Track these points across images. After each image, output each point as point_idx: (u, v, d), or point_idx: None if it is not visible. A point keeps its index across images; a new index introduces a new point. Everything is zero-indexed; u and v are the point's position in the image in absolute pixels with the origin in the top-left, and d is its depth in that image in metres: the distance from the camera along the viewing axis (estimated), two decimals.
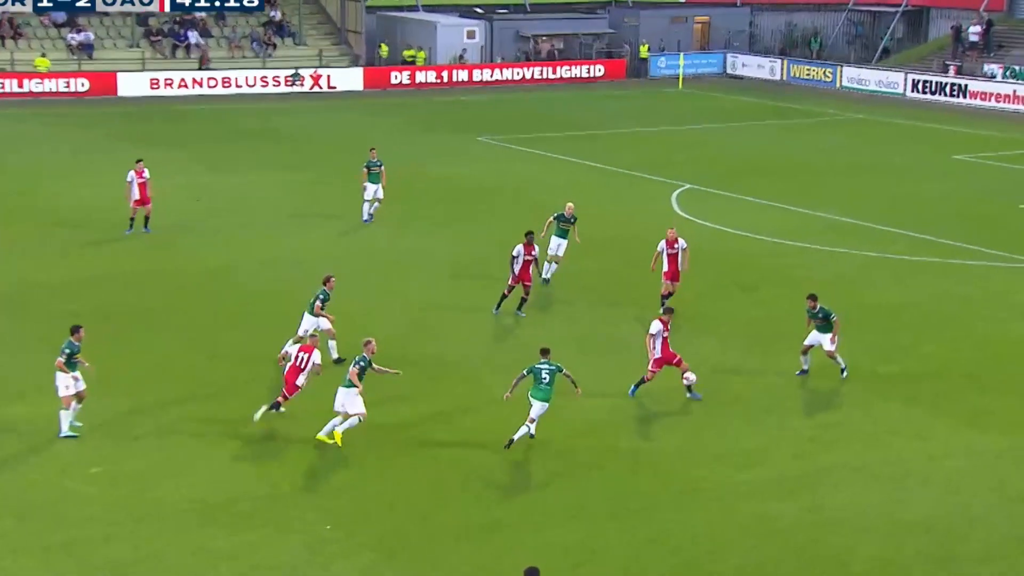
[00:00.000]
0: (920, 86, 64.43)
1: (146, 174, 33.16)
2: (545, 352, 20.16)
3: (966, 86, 62.70)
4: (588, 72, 70.38)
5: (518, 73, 69.15)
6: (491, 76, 68.42)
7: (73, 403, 20.06)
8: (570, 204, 29.41)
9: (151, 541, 17.01)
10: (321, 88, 64.21)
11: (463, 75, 67.71)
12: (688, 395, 22.19)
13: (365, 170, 34.90)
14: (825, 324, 23.06)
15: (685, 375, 21.95)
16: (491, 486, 18.86)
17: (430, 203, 38.28)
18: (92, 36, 63.51)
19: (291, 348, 21.01)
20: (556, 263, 28.85)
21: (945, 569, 16.68)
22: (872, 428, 21.26)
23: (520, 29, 71.65)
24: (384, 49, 68.90)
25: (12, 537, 17.12)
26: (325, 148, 48.32)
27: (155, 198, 33.59)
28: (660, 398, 22.15)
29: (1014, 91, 61.14)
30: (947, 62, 65.53)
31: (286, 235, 34.19)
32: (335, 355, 23.18)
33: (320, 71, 64.64)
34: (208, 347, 24.77)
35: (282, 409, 20.71)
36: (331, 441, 19.83)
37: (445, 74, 67.41)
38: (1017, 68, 62.45)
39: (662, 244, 26.75)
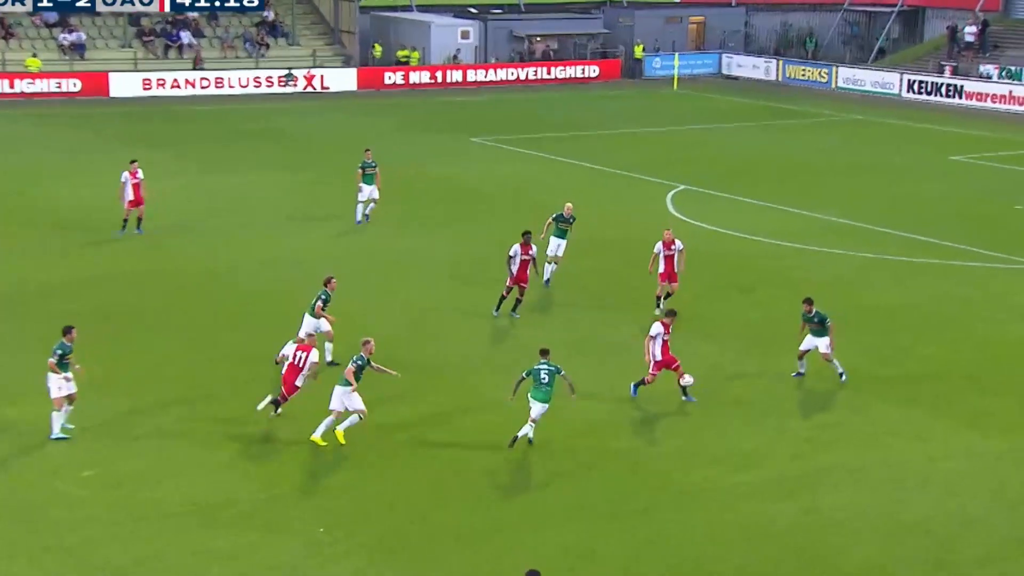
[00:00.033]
0: (916, 86, 64.33)
1: (140, 175, 33.00)
2: (544, 353, 20.13)
3: (962, 87, 62.60)
4: (583, 72, 70.21)
5: (512, 74, 68.96)
6: (485, 77, 68.22)
7: (65, 405, 19.94)
8: (569, 204, 29.28)
9: (146, 543, 16.92)
10: (314, 88, 64.01)
11: (457, 75, 67.51)
12: (683, 398, 22.12)
13: (360, 171, 34.73)
14: (820, 328, 22.95)
15: (682, 378, 21.89)
16: (489, 487, 18.80)
17: (427, 204, 38.14)
18: (84, 36, 63.22)
19: (289, 349, 20.91)
20: (556, 264, 28.74)
21: (943, 571, 16.63)
22: (870, 430, 21.20)
23: (514, 29, 71.48)
24: (378, 49, 68.68)
25: (5, 540, 17.03)
26: (320, 149, 48.19)
27: (149, 199, 33.45)
28: (658, 400, 22.10)
29: (1010, 91, 61.05)
30: (943, 62, 65.45)
31: (282, 236, 34.07)
32: (329, 358, 23.03)
33: (313, 71, 64.44)
34: (205, 348, 24.73)
35: (279, 411, 20.66)
36: (324, 443, 19.76)
37: (439, 74, 67.20)
38: (1013, 68, 62.35)
39: (658, 245, 26.69)
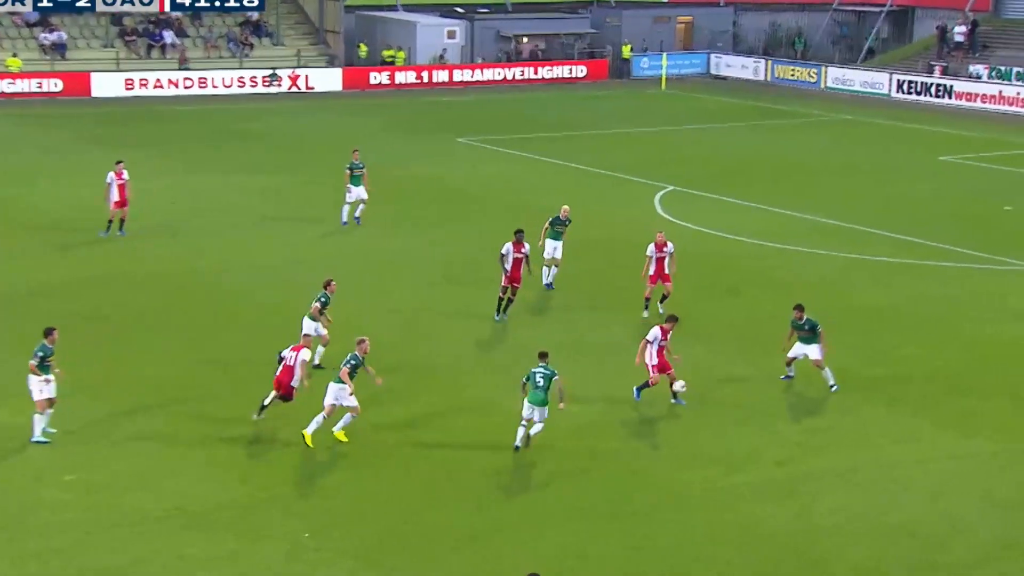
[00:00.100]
0: (905, 87, 64.08)
1: (125, 175, 32.84)
2: (543, 356, 20.04)
3: (951, 87, 62.36)
4: (570, 73, 69.83)
5: (499, 74, 68.55)
6: (472, 77, 67.80)
7: (46, 408, 19.79)
8: (566, 207, 29.17)
9: (129, 548, 16.75)
10: (299, 89, 63.57)
11: (443, 76, 67.08)
12: (673, 400, 22.00)
13: (348, 172, 34.48)
14: (811, 336, 22.69)
15: (675, 383, 21.85)
16: (482, 489, 18.70)
17: (415, 204, 37.98)
18: (65, 36, 62.63)
19: (288, 352, 20.83)
20: (556, 266, 28.64)
21: (932, 574, 16.59)
22: (859, 432, 21.13)
23: (501, 29, 71.12)
24: (363, 49, 68.24)
25: None
26: (306, 149, 47.95)
27: (134, 200, 33.27)
28: (650, 402, 22.02)
29: (999, 92, 60.83)
30: (932, 62, 65.23)
31: (268, 237, 33.89)
32: (317, 360, 22.78)
33: (298, 71, 63.99)
34: (190, 350, 24.54)
35: (262, 415, 20.54)
36: (312, 445, 19.67)
37: (425, 75, 66.77)
38: (1003, 68, 62.13)
39: (651, 247, 26.65)
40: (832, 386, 22.72)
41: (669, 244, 26.64)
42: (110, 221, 32.91)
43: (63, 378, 19.98)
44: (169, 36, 64.25)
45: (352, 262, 30.79)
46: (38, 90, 59.20)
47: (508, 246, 26.04)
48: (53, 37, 62.16)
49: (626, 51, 71.83)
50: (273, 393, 20.42)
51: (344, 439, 19.87)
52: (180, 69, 62.45)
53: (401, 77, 66.19)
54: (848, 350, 24.31)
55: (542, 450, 19.80)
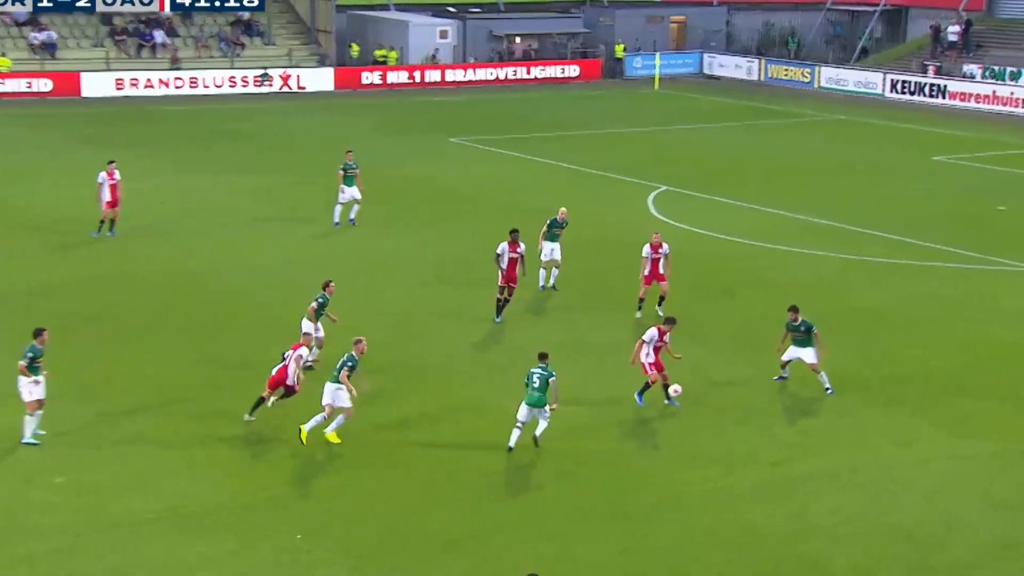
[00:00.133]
0: (899, 86, 63.97)
1: (117, 175, 32.72)
2: (543, 357, 19.98)
3: (945, 86, 62.26)
4: (563, 72, 69.61)
5: (491, 73, 68.31)
6: (464, 76, 67.55)
7: (36, 409, 19.69)
8: (563, 209, 29.10)
9: (119, 552, 16.63)
10: (290, 88, 63.29)
11: (435, 75, 66.83)
12: (666, 401, 21.91)
13: (341, 172, 34.35)
14: (806, 338, 22.55)
15: (670, 387, 21.81)
16: (478, 491, 18.63)
17: (408, 205, 37.81)
18: (55, 35, 62.26)
19: (289, 351, 20.91)
20: (557, 268, 28.58)
21: (928, 575, 16.54)
22: (855, 433, 21.09)
23: (493, 29, 70.87)
24: (355, 49, 67.96)
25: None
26: (298, 150, 47.72)
27: (125, 201, 33.12)
28: (645, 403, 21.86)
29: (993, 91, 60.73)
30: (926, 62, 65.14)
31: (261, 238, 33.72)
32: (309, 361, 22.65)
33: (289, 71, 63.72)
34: (182, 351, 24.39)
35: (251, 416, 20.52)
36: (305, 442, 19.63)
37: (417, 74, 66.51)
38: (996, 68, 62.04)
39: (646, 248, 26.59)
40: (827, 389, 22.60)
41: (664, 245, 26.61)
42: (102, 221, 32.78)
43: (51, 379, 19.83)
44: (159, 36, 63.92)
45: (345, 262, 30.61)
46: (27, 90, 58.83)
47: (503, 246, 25.99)
48: (43, 37, 61.78)
49: (619, 51, 71.64)
50: (268, 391, 20.44)
51: (336, 440, 19.81)
52: (171, 69, 62.12)
53: (393, 77, 65.93)
54: (843, 351, 24.20)
55: (538, 451, 19.78)
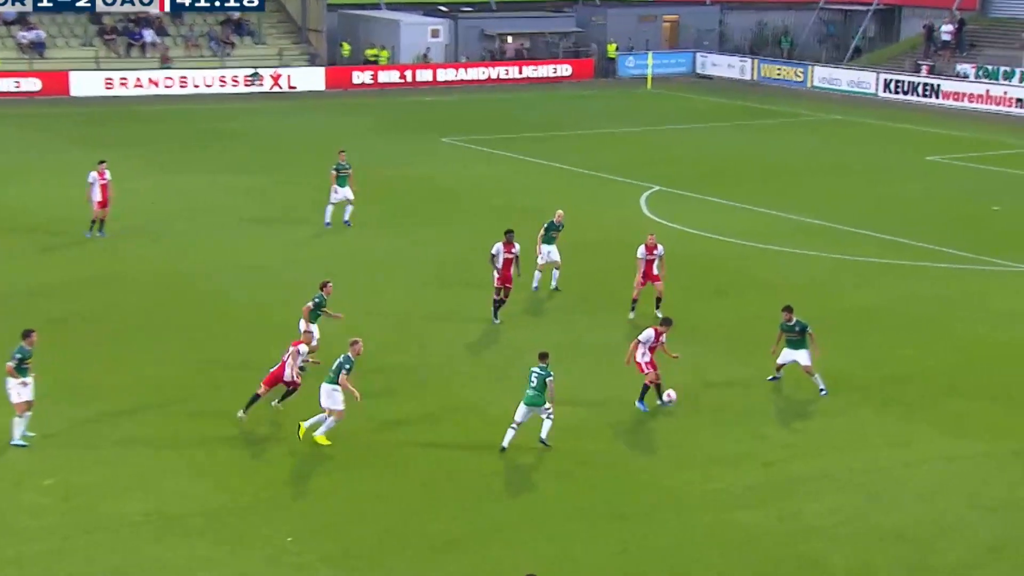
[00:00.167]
0: (892, 86, 63.80)
1: (108, 175, 32.60)
2: (543, 357, 19.98)
3: (939, 86, 62.09)
4: (555, 72, 69.35)
5: (483, 73, 68.03)
6: (456, 76, 67.26)
7: (24, 411, 19.60)
8: (560, 211, 29.12)
9: (107, 555, 16.53)
10: (281, 88, 62.98)
11: (427, 75, 66.53)
12: (658, 402, 21.87)
13: (334, 172, 34.16)
14: (800, 339, 22.47)
15: (665, 393, 21.80)
16: (475, 492, 18.58)
17: (401, 205, 37.66)
18: (43, 34, 61.86)
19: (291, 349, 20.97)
20: (557, 269, 28.54)
21: None
22: (848, 435, 21.05)
23: (485, 28, 70.61)
24: (346, 48, 67.66)
25: None
26: (289, 150, 47.48)
27: (116, 201, 32.99)
28: (632, 407, 21.79)
29: (987, 91, 60.57)
30: (919, 62, 64.99)
31: (255, 239, 33.58)
32: (300, 362, 22.31)
33: (280, 71, 63.40)
34: (173, 353, 24.27)
35: (244, 413, 20.55)
36: (301, 438, 19.69)
37: (408, 74, 66.21)
38: (990, 68, 61.87)
39: (641, 250, 26.58)
40: (822, 390, 22.53)
41: (659, 247, 26.61)
42: (93, 221, 32.65)
43: (37, 380, 19.72)
44: (149, 35, 63.55)
45: (341, 263, 30.47)
46: (16, 89, 58.45)
47: (498, 246, 25.99)
48: (31, 36, 61.40)
49: (611, 50, 71.39)
50: (264, 388, 20.49)
51: (325, 443, 19.74)
52: (161, 68, 61.77)
53: (384, 76, 65.62)
54: (838, 352, 24.09)
55: (535, 451, 19.76)
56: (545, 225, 28.42)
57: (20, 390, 19.42)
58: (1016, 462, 20.08)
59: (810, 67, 67.96)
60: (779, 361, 22.74)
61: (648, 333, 21.64)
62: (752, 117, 58.51)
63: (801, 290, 28.03)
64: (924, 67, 64.11)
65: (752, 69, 70.10)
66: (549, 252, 28.25)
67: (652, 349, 21.62)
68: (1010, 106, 59.52)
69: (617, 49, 71.51)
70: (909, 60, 66.19)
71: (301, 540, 16.91)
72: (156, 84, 60.79)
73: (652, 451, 20.40)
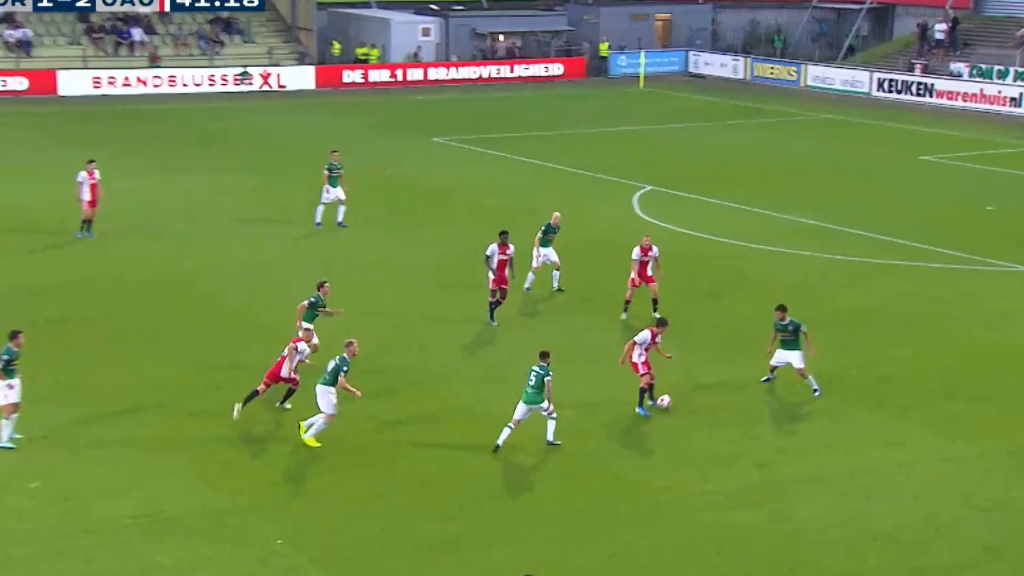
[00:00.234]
0: (886, 85, 63.57)
1: (97, 175, 32.44)
2: (544, 356, 20.00)
3: (932, 85, 61.88)
4: (547, 71, 69.03)
5: (475, 72, 67.69)
6: (447, 75, 66.93)
7: (11, 412, 19.44)
8: (557, 213, 29.05)
9: (94, 559, 16.45)
10: (271, 87, 62.61)
11: (418, 74, 66.18)
12: (650, 403, 21.79)
13: (326, 172, 33.96)
14: (793, 339, 22.34)
15: (661, 399, 21.74)
16: (471, 494, 18.53)
17: (394, 205, 37.49)
18: (30, 33, 61.40)
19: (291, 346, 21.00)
20: (557, 269, 28.43)
21: None
22: (841, 436, 20.98)
23: (476, 26, 70.31)
24: (336, 47, 67.29)
25: None
26: (281, 149, 47.21)
27: (105, 201, 32.79)
28: (630, 405, 21.73)
29: (981, 90, 60.36)
30: (913, 60, 64.78)
31: (244, 240, 33.39)
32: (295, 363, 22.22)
33: (270, 70, 63.02)
34: (163, 355, 24.14)
35: (238, 409, 20.55)
36: (304, 432, 19.74)
37: (399, 73, 65.84)
38: (983, 67, 61.67)
39: (636, 251, 26.54)
40: (815, 391, 22.40)
41: (654, 248, 26.54)
42: (84, 221, 32.44)
43: (24, 381, 19.56)
44: (138, 33, 63.12)
45: (336, 263, 30.32)
46: (2, 88, 58.03)
47: (493, 247, 25.94)
48: (18, 34, 60.95)
49: (603, 49, 71.11)
50: (263, 386, 20.56)
51: (315, 444, 19.64)
52: (150, 67, 61.36)
53: (375, 75, 65.25)
54: (831, 352, 23.94)
55: (529, 453, 19.74)
56: (542, 227, 28.29)
57: (7, 392, 19.25)
58: (1010, 462, 20.02)
59: (803, 66, 67.73)
60: (772, 363, 22.63)
61: (644, 335, 21.64)
62: (745, 116, 58.28)
63: (794, 290, 27.84)
64: (918, 66, 63.91)
65: (745, 68, 69.85)
66: (546, 254, 28.13)
67: (647, 350, 21.55)
68: (1003, 105, 59.33)
69: (609, 48, 71.23)
70: (903, 59, 65.98)
71: (300, 540, 16.83)
72: (145, 83, 60.37)
73: (646, 452, 20.35)
